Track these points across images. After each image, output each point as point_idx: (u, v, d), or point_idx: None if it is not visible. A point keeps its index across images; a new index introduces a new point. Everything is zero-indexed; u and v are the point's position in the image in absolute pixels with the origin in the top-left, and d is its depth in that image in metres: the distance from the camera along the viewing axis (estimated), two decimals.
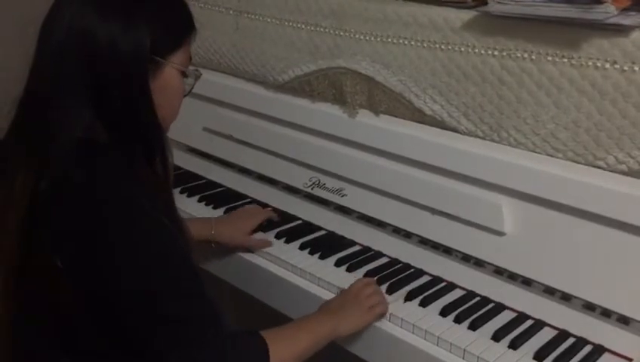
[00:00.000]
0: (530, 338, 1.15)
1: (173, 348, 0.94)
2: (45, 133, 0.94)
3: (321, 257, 1.39)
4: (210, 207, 1.62)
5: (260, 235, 1.47)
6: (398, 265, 1.37)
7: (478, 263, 1.30)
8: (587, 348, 1.13)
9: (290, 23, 1.60)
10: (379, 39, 1.44)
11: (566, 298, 1.19)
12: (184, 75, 1.04)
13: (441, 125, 1.38)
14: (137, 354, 0.95)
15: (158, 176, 1.02)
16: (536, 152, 1.25)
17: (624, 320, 1.13)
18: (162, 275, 0.94)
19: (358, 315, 1.19)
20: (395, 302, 1.24)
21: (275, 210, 1.59)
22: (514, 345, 1.13)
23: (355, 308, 1.19)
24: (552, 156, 1.24)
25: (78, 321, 0.97)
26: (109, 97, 0.95)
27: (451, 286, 1.30)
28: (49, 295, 0.96)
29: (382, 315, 1.21)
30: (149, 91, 0.97)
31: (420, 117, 1.41)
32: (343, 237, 1.48)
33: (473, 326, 1.17)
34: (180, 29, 1.03)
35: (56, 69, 0.95)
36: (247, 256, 1.44)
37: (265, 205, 1.61)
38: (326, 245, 1.43)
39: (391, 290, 1.28)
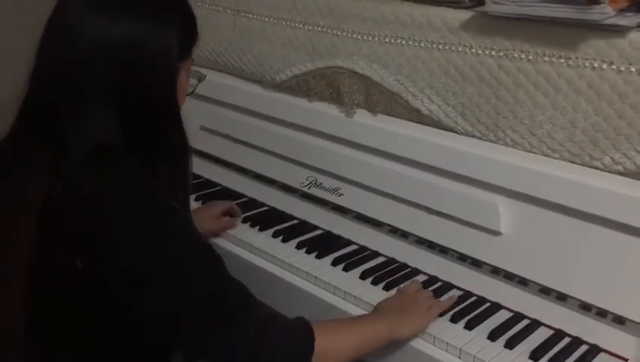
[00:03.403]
0: (526, 337, 1.15)
1: (211, 332, 0.93)
2: (63, 136, 0.94)
3: (318, 256, 1.39)
4: None
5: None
6: (395, 265, 1.37)
7: (475, 263, 1.30)
8: (583, 348, 1.13)
9: (288, 23, 1.60)
10: (376, 39, 1.44)
11: (562, 298, 1.19)
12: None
13: (438, 125, 1.38)
14: (162, 353, 0.95)
15: (176, 178, 1.03)
16: (532, 152, 1.26)
17: (620, 320, 1.13)
18: (188, 265, 0.94)
19: (418, 318, 1.16)
20: None
21: (272, 209, 1.59)
22: (510, 345, 1.13)
23: (415, 311, 1.17)
24: (548, 156, 1.24)
25: (98, 323, 0.98)
26: (135, 102, 0.96)
27: (448, 286, 1.30)
28: (67, 296, 0.96)
29: (436, 316, 1.20)
30: (176, 94, 1.00)
31: (417, 117, 1.41)
32: (339, 237, 1.48)
33: (469, 326, 1.17)
34: (193, 35, 1.05)
35: (80, 73, 0.94)
36: (244, 255, 1.44)
37: (262, 204, 1.62)
38: (323, 244, 1.43)
39: (387, 290, 1.28)
